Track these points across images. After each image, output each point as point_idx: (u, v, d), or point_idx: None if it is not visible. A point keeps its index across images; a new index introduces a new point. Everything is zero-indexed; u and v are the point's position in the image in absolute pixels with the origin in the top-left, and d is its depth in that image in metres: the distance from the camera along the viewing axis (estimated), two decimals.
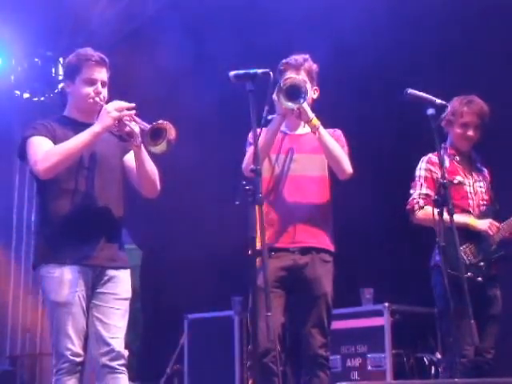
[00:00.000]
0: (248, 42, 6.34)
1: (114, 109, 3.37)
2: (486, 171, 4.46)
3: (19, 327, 8.75)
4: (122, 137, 3.51)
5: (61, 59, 9.05)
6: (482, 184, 4.34)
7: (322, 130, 3.69)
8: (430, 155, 4.32)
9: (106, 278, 3.46)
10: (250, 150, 3.65)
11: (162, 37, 6.52)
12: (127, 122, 3.39)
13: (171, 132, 3.33)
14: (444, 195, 3.58)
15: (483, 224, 4.16)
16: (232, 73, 3.25)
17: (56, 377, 3.38)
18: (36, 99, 9.17)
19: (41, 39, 8.46)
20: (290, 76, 3.66)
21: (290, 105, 3.56)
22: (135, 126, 3.38)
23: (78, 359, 3.37)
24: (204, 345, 6.25)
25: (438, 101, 3.77)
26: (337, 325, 3.88)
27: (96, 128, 3.37)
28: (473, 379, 3.75)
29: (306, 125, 3.73)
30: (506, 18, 5.38)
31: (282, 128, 3.85)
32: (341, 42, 5.78)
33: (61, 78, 9.15)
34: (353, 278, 5.28)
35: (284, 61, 3.86)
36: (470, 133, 4.30)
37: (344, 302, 3.92)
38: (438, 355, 5.10)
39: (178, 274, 7.21)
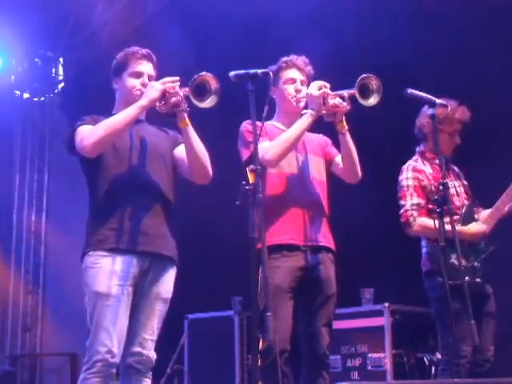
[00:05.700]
0: (248, 42, 6.34)
1: (159, 83, 3.30)
2: (457, 169, 4.39)
3: (19, 327, 8.77)
4: (169, 114, 3.37)
5: (61, 59, 9.08)
6: (459, 183, 4.29)
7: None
8: (413, 163, 4.24)
9: (151, 273, 3.31)
10: (263, 141, 3.62)
11: (161, 37, 6.51)
12: (172, 94, 3.28)
13: (213, 82, 3.24)
14: (444, 195, 3.57)
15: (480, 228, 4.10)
16: (232, 73, 3.24)
17: (84, 375, 3.14)
18: (36, 99, 9.18)
19: (41, 39, 8.47)
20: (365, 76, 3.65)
21: (369, 102, 3.59)
22: (180, 93, 3.28)
23: (113, 359, 3.13)
24: (204, 345, 6.25)
25: (438, 101, 3.78)
26: (337, 325, 3.87)
27: (142, 101, 3.28)
28: (473, 379, 3.75)
29: (337, 125, 3.66)
30: (505, 19, 5.39)
31: (282, 126, 3.83)
32: (340, 42, 5.78)
33: (61, 77, 9.18)
34: (353, 277, 5.27)
35: (287, 58, 3.85)
36: (458, 140, 4.26)
37: (344, 301, 3.91)
38: (438, 355, 5.09)
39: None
